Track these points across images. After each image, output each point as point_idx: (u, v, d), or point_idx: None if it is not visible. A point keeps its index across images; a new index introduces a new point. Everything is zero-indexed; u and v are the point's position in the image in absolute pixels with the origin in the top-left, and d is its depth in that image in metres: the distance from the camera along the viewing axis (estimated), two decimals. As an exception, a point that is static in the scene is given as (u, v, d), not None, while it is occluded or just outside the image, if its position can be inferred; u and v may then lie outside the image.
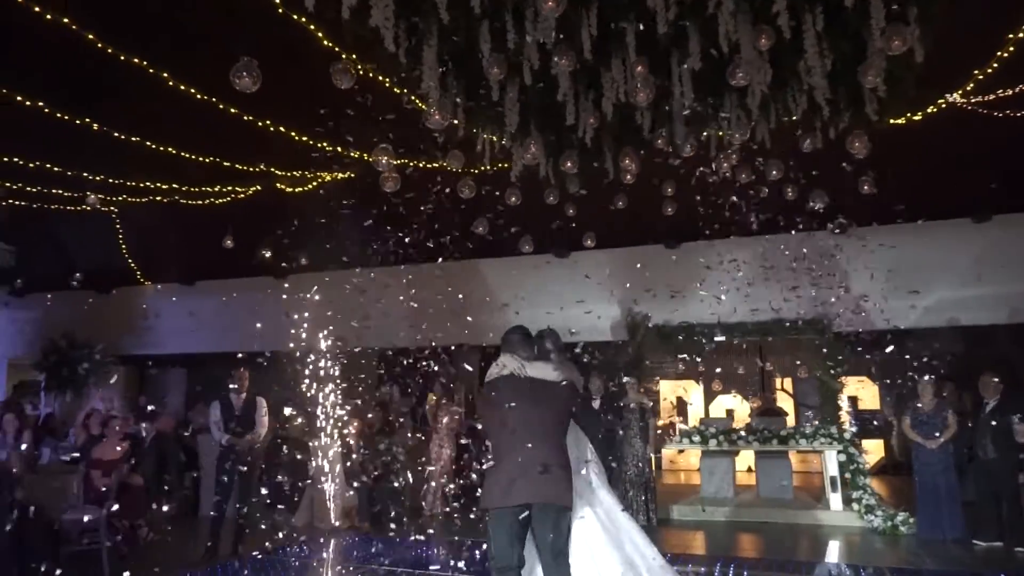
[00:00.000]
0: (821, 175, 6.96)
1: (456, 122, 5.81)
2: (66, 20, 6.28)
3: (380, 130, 6.38)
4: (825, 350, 9.34)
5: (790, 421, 10.58)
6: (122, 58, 6.93)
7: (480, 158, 7.55)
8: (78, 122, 8.00)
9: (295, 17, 6.14)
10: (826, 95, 4.57)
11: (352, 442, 8.47)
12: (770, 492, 8.95)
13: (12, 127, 8.03)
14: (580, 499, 3.71)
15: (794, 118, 5.79)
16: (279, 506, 8.17)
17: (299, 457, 8.52)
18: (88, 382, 11.54)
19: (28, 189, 10.72)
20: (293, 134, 9.14)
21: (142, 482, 6.74)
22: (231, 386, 6.90)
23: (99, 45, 6.69)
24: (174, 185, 11.46)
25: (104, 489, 6.27)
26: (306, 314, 10.36)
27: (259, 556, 6.58)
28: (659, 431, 9.25)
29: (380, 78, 6.07)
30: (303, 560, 6.62)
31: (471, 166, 7.88)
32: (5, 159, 9.24)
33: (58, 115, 7.78)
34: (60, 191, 10.79)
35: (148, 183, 11.30)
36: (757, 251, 10.54)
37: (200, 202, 12.63)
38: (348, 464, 8.41)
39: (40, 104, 7.59)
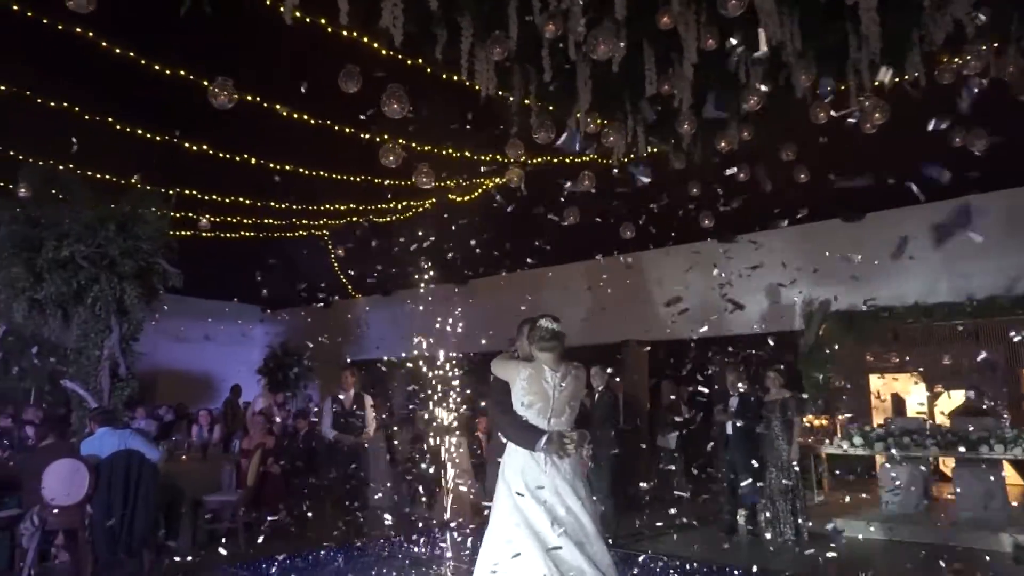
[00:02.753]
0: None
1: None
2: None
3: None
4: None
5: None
6: (312, 121, 7.91)
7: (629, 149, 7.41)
8: (287, 168, 9.36)
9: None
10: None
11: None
12: (972, 510, 7.26)
13: (246, 179, 9.65)
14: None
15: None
16: (422, 499, 8.59)
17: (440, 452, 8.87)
18: (299, 384, 13.26)
19: (266, 221, 12.79)
20: (450, 151, 9.62)
21: (280, 471, 7.56)
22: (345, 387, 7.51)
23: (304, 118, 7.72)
24: (366, 207, 12.70)
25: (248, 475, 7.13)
26: (460, 318, 10.79)
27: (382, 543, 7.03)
28: (813, 433, 8.05)
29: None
30: (423, 552, 6.87)
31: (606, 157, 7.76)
32: (246, 202, 11.32)
33: (271, 165, 9.13)
34: (280, 221, 12.72)
35: (342, 205, 12.67)
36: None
37: (388, 219, 13.80)
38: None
39: (265, 162, 9.02)
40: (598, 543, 3.42)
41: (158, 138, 7.80)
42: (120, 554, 5.98)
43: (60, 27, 6.21)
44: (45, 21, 6.18)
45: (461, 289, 13.67)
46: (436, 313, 13.70)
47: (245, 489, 6.87)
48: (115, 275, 7.23)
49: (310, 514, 7.40)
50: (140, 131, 7.99)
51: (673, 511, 8.23)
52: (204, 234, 12.82)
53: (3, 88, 6.85)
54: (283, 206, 12.25)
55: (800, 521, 7.04)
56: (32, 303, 7.13)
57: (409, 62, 6.36)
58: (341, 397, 7.73)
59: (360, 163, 9.84)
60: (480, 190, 12.39)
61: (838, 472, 8.98)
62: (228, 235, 13.27)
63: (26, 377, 9.68)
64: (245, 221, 12.98)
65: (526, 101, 6.45)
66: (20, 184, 6.97)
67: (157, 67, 6.92)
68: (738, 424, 7.41)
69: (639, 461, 9.65)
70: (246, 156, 9.01)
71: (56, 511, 5.75)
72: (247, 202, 12.04)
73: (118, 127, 7.55)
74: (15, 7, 5.99)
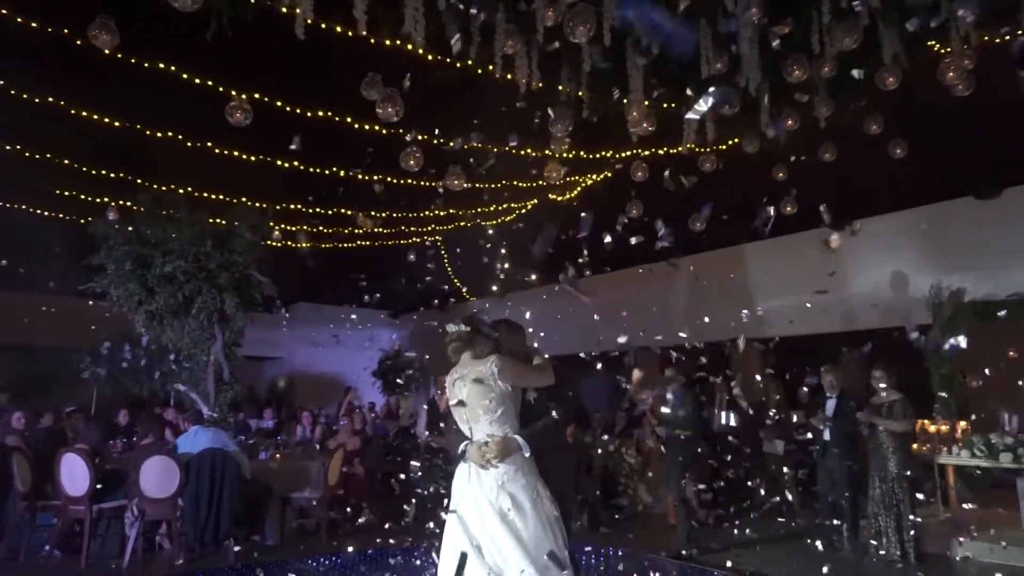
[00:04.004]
0: None
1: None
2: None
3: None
4: None
5: None
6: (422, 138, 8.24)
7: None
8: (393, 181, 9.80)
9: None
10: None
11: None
12: None
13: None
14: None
15: None
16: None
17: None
18: (411, 386, 13.72)
19: (382, 231, 13.49)
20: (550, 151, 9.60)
21: (363, 472, 7.84)
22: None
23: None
24: (474, 211, 12.98)
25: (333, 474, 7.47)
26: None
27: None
28: (933, 440, 7.08)
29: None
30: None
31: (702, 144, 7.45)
32: (373, 213, 12.03)
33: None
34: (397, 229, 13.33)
35: (442, 211, 13.03)
36: None
37: (495, 221, 13.99)
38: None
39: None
40: (528, 569, 3.10)
41: (253, 159, 8.40)
42: (207, 544, 6.48)
43: (160, 66, 6.85)
44: (147, 65, 6.81)
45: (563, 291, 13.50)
46: (548, 314, 13.72)
47: (326, 488, 7.19)
48: (214, 287, 7.86)
49: (396, 514, 7.60)
50: (236, 152, 8.71)
51: (774, 523, 7.66)
52: (324, 245, 13.73)
53: (117, 124, 7.68)
54: (394, 215, 12.81)
55: (907, 538, 6.25)
56: (149, 315, 7.89)
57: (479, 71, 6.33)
58: (436, 400, 7.90)
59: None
60: (579, 188, 12.22)
61: (973, 485, 7.87)
62: (345, 245, 14.07)
63: (166, 381, 10.74)
64: (357, 231, 13.67)
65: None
66: (135, 206, 7.76)
67: (256, 96, 7.44)
68: (836, 429, 6.73)
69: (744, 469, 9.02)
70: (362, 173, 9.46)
71: (152, 503, 6.34)
72: (372, 213, 12.56)
73: (216, 150, 8.23)
74: (119, 55, 6.62)
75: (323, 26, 5.75)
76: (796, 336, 10.18)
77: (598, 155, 10.07)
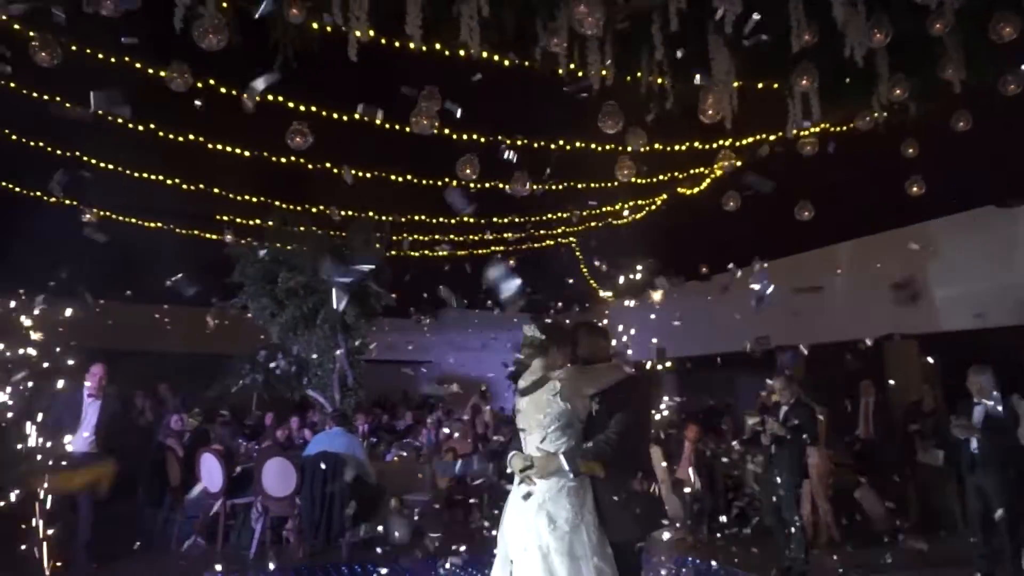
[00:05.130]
0: None
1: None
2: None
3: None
4: None
5: None
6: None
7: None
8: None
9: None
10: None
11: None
12: None
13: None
14: None
15: None
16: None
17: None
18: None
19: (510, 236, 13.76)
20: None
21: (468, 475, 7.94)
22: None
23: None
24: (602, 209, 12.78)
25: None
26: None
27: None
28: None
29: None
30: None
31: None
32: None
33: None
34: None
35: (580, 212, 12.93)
36: None
37: (626, 220, 13.71)
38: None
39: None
40: None
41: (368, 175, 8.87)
42: (322, 541, 6.91)
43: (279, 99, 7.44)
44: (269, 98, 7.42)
45: (703, 286, 12.87)
46: (681, 313, 13.19)
47: (435, 490, 7.40)
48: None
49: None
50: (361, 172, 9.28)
51: (923, 547, 6.79)
52: (459, 252, 14.18)
53: (246, 153, 8.46)
54: (528, 219, 12.94)
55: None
56: (281, 326, 8.59)
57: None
58: None
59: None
60: (708, 180, 11.61)
61: None
62: (480, 252, 14.43)
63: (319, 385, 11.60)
64: (487, 237, 13.93)
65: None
66: (265, 224, 8.50)
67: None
68: (986, 441, 5.82)
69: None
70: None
71: (273, 500, 6.88)
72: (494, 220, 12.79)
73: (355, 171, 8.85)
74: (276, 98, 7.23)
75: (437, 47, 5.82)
76: (959, 332, 8.96)
77: (715, 144, 9.52)
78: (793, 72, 5.52)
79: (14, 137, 8.08)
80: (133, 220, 11.21)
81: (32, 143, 8.20)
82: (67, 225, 8.98)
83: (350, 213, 9.13)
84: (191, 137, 8.32)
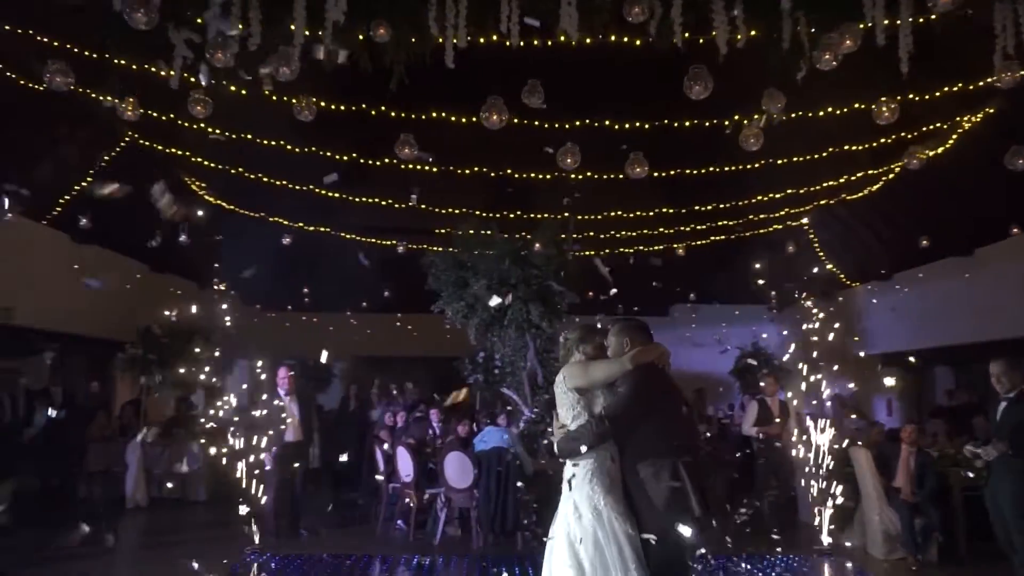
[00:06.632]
0: None
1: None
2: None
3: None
4: None
5: None
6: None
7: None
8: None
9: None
10: None
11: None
12: None
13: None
14: None
15: None
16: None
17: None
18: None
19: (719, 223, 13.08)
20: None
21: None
22: None
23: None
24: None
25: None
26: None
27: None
28: None
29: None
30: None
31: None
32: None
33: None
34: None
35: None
36: None
37: (864, 192, 12.29)
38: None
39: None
40: None
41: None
42: (498, 532, 7.18)
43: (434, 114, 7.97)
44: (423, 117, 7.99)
45: (963, 262, 10.81)
46: (937, 296, 11.31)
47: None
48: (518, 300, 8.64)
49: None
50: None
51: None
52: (675, 246, 13.72)
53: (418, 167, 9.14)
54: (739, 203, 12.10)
55: None
56: (476, 328, 9.10)
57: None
58: (767, 399, 8.19)
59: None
60: (953, 137, 9.80)
61: None
62: (699, 242, 13.71)
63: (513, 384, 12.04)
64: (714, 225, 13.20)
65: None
66: (455, 231, 9.17)
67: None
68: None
69: None
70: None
71: (455, 492, 7.33)
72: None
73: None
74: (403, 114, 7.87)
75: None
76: None
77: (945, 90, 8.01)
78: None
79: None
80: (374, 240, 12.84)
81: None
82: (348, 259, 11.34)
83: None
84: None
